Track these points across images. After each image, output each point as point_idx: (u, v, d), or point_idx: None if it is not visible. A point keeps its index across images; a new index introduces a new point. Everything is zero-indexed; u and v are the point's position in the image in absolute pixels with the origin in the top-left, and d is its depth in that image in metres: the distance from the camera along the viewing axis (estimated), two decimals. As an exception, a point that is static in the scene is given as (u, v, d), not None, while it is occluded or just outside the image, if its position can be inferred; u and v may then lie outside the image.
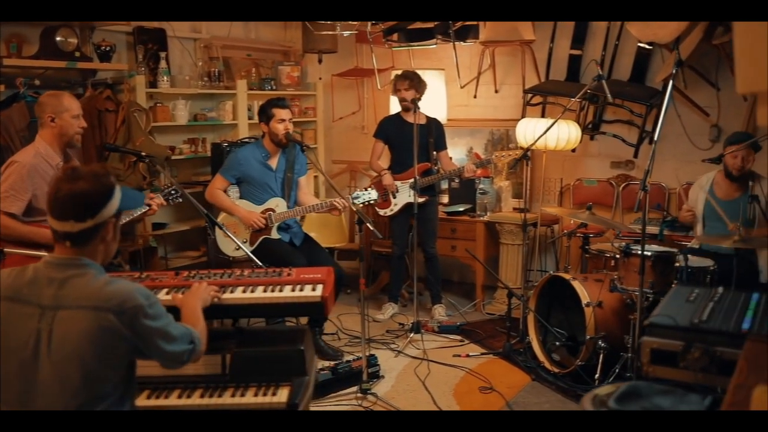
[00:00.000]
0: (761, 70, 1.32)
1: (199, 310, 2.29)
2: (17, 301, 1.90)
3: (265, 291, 2.57)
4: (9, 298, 1.91)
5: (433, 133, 5.20)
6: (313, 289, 2.55)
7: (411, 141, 4.83)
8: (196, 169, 5.75)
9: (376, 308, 5.53)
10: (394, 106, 6.02)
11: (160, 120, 5.25)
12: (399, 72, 5.33)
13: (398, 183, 5.18)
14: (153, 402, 2.27)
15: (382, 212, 5.29)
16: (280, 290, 2.57)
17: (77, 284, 1.89)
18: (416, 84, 5.10)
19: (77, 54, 4.70)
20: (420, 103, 5.01)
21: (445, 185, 6.03)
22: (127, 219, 3.66)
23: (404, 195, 5.17)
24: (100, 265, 1.98)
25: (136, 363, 2.01)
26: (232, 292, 2.55)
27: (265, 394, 2.29)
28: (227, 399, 2.28)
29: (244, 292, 2.56)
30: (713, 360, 1.85)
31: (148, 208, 3.69)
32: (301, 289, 2.57)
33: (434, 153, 5.27)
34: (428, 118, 5.19)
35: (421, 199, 5.05)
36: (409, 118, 5.12)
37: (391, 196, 5.22)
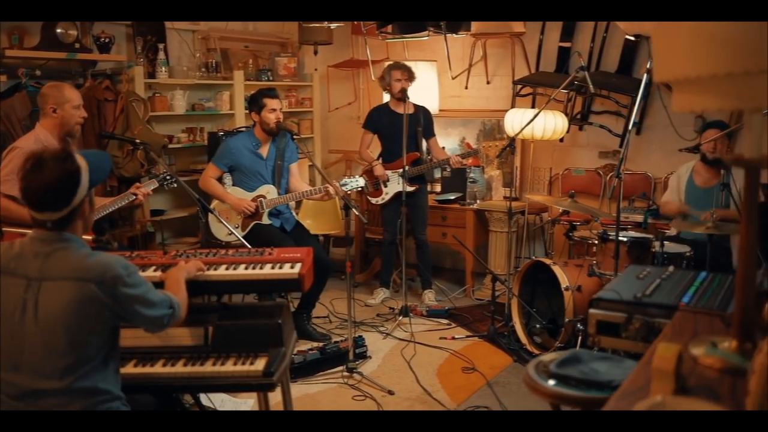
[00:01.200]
0: (675, 62, 1.46)
1: (182, 280, 2.45)
2: (6, 273, 2.06)
3: (246, 268, 2.72)
4: None
5: (422, 121, 5.32)
6: (291, 267, 2.71)
7: (401, 131, 4.97)
8: (193, 158, 5.91)
9: (368, 293, 5.69)
10: (389, 97, 6.18)
11: (158, 110, 5.41)
12: (393, 63, 5.46)
13: (389, 172, 5.32)
14: (140, 369, 2.43)
15: (373, 201, 5.44)
16: (261, 268, 2.72)
17: (60, 257, 2.05)
18: (412, 75, 5.28)
19: (77, 45, 4.86)
20: (412, 94, 5.16)
21: (438, 174, 6.17)
22: (114, 208, 3.82)
23: (395, 184, 5.31)
24: (83, 233, 2.14)
25: (119, 328, 2.16)
26: (215, 269, 2.70)
27: (243, 363, 2.44)
28: (208, 367, 2.44)
29: (227, 269, 2.71)
30: (652, 330, 1.99)
31: (134, 197, 3.84)
32: (281, 267, 2.72)
33: (423, 141, 5.40)
34: (416, 107, 5.32)
35: (411, 188, 5.20)
36: (399, 108, 5.25)
37: (382, 186, 5.36)
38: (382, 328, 4.97)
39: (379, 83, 5.53)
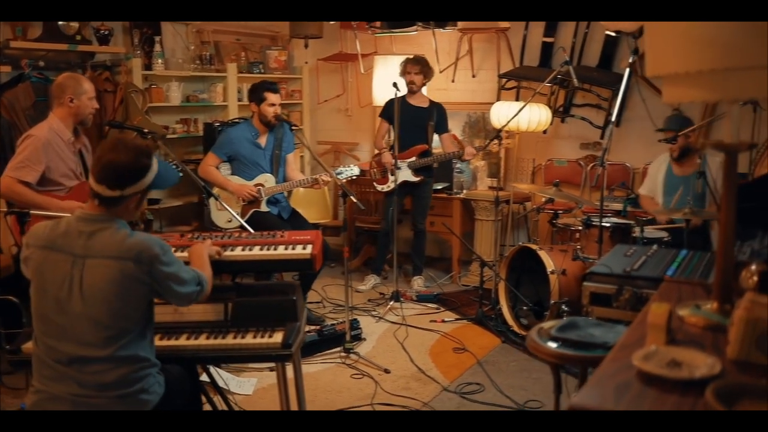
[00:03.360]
0: (667, 59, 1.67)
1: (206, 257, 2.63)
2: (53, 249, 2.23)
3: (261, 249, 2.91)
4: (45, 247, 2.24)
5: (434, 116, 5.52)
6: (304, 248, 2.90)
7: (411, 123, 5.20)
8: (188, 148, 6.04)
9: (358, 280, 5.88)
10: (377, 90, 6.38)
11: (155, 101, 5.55)
12: (411, 56, 5.67)
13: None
14: (165, 342, 2.60)
15: (379, 188, 5.61)
16: (275, 249, 2.91)
17: (102, 237, 2.22)
18: (425, 69, 5.50)
19: (78, 37, 4.99)
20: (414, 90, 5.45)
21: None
22: None
23: (402, 173, 5.50)
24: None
25: (154, 302, 2.34)
26: (232, 250, 2.88)
27: (262, 337, 2.63)
28: (229, 340, 2.62)
29: (242, 250, 2.90)
30: (640, 300, 2.22)
31: None
32: (293, 248, 2.91)
33: (434, 135, 5.61)
34: (431, 102, 5.57)
35: (416, 179, 5.42)
36: (413, 100, 5.48)
37: (389, 173, 5.54)
38: (374, 313, 5.17)
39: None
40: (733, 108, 1.69)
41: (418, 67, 5.46)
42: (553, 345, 2.04)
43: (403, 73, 5.54)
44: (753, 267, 1.87)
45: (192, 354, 2.61)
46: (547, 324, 2.17)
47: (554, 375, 2.21)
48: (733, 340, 1.50)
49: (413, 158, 5.46)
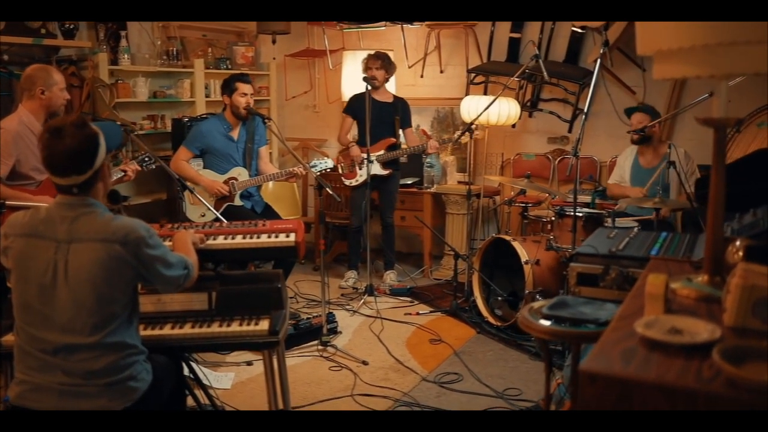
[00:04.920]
0: (659, 35, 1.70)
1: (190, 243, 2.60)
2: (35, 236, 2.18)
3: (244, 238, 2.89)
4: (26, 235, 2.19)
5: (399, 111, 5.54)
6: (287, 236, 2.89)
7: (377, 117, 5.20)
8: (156, 145, 5.96)
9: (331, 276, 5.86)
10: (346, 86, 6.38)
11: (121, 96, 5.46)
12: (372, 52, 5.66)
13: (364, 155, 5.50)
14: (149, 332, 2.57)
15: (347, 182, 5.59)
16: (258, 237, 2.90)
17: (87, 220, 2.18)
18: (387, 65, 5.48)
19: (43, 31, 4.88)
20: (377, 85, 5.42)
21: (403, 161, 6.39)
22: None
23: (372, 167, 5.48)
24: (103, 196, 2.29)
25: (138, 289, 2.31)
26: (214, 239, 2.86)
27: (248, 324, 2.61)
28: (215, 328, 2.59)
29: (225, 239, 2.87)
30: (627, 279, 2.26)
31: (123, 174, 3.93)
32: (276, 236, 2.90)
33: (399, 130, 5.62)
34: (395, 97, 5.59)
35: (385, 172, 5.44)
36: (377, 96, 5.48)
37: (357, 168, 5.54)
38: (348, 307, 5.16)
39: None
40: (722, 84, 1.73)
41: (379, 63, 5.47)
42: (545, 323, 2.06)
43: (365, 69, 5.54)
44: (738, 242, 1.93)
45: (177, 343, 2.58)
46: (536, 304, 2.20)
47: (545, 353, 2.24)
48: (730, 308, 1.54)
49: (382, 151, 5.48)
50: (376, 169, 5.44)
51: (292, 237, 2.87)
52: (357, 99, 5.63)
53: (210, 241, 2.81)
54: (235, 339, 2.59)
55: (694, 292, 1.77)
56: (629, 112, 4.99)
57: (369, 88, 5.17)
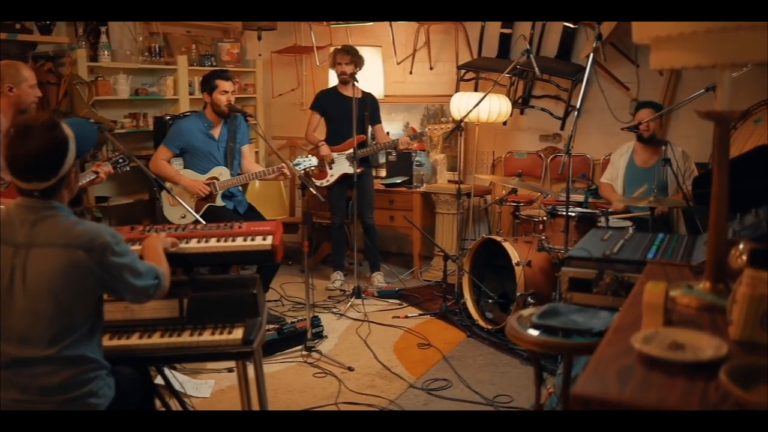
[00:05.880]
0: (653, 23, 1.57)
1: (161, 251, 2.44)
2: None
3: (218, 241, 2.73)
4: None
5: (369, 107, 5.38)
6: (264, 239, 2.74)
7: (348, 114, 5.01)
8: (138, 144, 5.79)
9: (318, 278, 5.72)
10: (333, 83, 6.21)
11: (101, 94, 5.29)
12: (339, 47, 5.50)
13: (334, 154, 5.36)
14: (116, 342, 2.41)
15: (318, 183, 5.42)
16: (233, 240, 2.74)
17: (48, 224, 2.03)
18: (356, 59, 5.30)
19: (17, 26, 4.72)
20: (358, 79, 5.21)
21: (383, 159, 6.24)
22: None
23: (340, 166, 5.35)
24: (68, 201, 2.13)
25: (103, 300, 2.15)
26: (187, 242, 2.70)
27: (221, 333, 2.45)
28: (186, 338, 2.44)
29: (198, 242, 2.72)
30: (622, 284, 2.12)
31: (95, 175, 3.77)
32: (253, 239, 2.74)
33: (369, 126, 5.46)
34: (363, 93, 5.38)
35: (358, 170, 5.26)
36: (347, 91, 5.30)
37: (327, 167, 5.39)
38: (335, 310, 5.02)
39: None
40: (725, 76, 1.58)
41: (348, 57, 5.31)
42: (534, 333, 1.92)
43: (333, 64, 5.39)
44: (741, 245, 1.78)
45: (146, 354, 2.42)
46: (526, 311, 2.06)
47: (535, 365, 2.10)
48: (737, 320, 1.40)
49: (350, 150, 5.31)
50: (346, 168, 5.28)
51: (269, 240, 2.72)
52: (325, 94, 5.48)
53: (182, 245, 2.66)
54: (206, 349, 2.43)
55: (696, 301, 1.63)
56: (639, 107, 4.82)
57: (355, 84, 5.01)
